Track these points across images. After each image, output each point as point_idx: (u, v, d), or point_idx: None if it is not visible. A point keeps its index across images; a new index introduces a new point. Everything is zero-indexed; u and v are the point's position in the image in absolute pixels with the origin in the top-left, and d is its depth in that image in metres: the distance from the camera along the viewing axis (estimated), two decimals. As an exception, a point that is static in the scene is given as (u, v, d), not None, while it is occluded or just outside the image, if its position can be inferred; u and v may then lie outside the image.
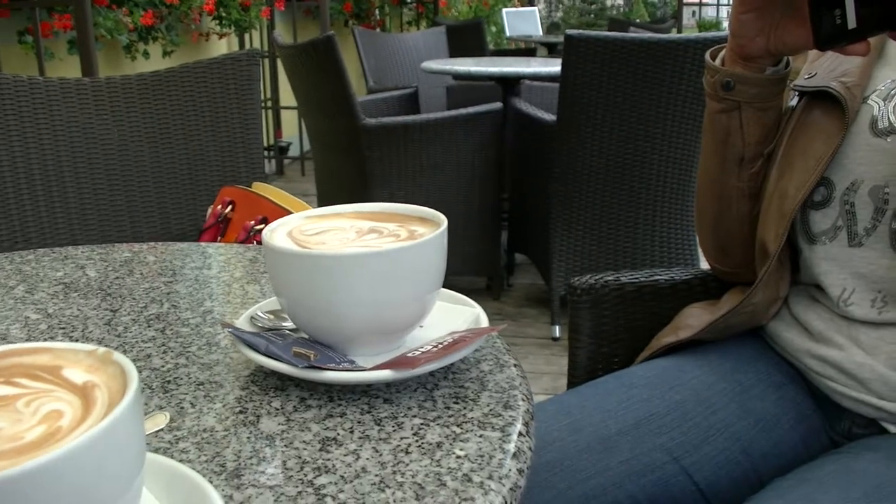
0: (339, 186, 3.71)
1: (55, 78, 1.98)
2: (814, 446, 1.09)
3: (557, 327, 3.39)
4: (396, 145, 3.47)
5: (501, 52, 8.21)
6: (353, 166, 3.54)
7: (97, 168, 1.96)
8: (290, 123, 6.76)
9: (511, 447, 0.62)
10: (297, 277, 0.71)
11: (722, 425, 1.07)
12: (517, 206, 3.74)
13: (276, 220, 1.53)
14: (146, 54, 4.61)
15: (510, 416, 0.67)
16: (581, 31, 2.94)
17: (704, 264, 1.40)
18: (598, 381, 1.16)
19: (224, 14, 5.30)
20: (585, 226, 3.22)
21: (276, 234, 0.76)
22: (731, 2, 1.07)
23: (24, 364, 0.50)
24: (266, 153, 6.48)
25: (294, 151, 6.81)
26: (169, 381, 0.75)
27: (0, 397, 0.46)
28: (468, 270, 3.62)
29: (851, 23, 0.86)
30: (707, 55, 1.10)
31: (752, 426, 1.08)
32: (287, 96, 6.04)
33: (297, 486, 0.58)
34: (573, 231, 3.23)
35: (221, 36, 5.65)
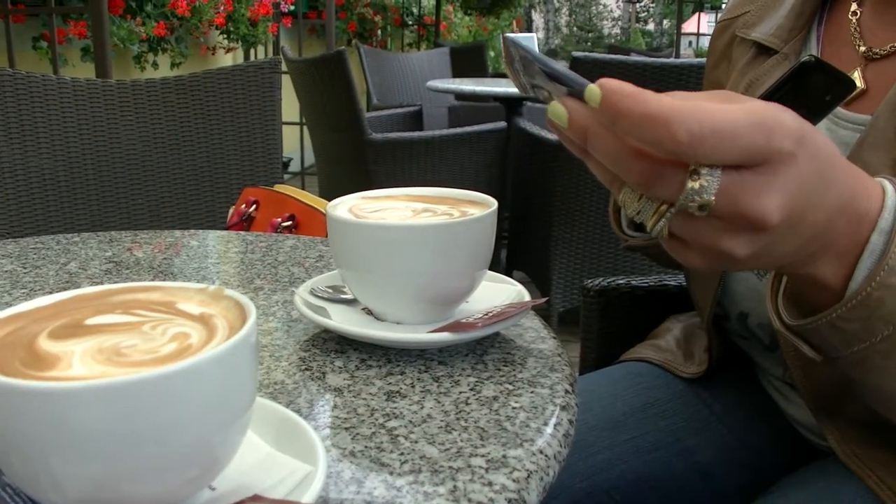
0: (344, 199, 3.76)
1: (82, 78, 2.04)
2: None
3: (556, 343, 3.43)
4: (402, 161, 3.53)
5: (502, 76, 8.29)
6: (357, 180, 3.60)
7: (119, 167, 2.02)
8: (291, 139, 6.81)
9: (560, 401, 0.68)
10: (359, 248, 0.77)
11: (722, 414, 1.13)
12: (517, 224, 3.81)
13: (304, 217, 1.60)
14: (155, 65, 4.68)
15: (556, 377, 0.73)
16: (587, 53, 3.01)
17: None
18: (606, 370, 1.23)
19: (232, 28, 5.37)
20: (586, 244, 3.29)
21: (338, 209, 0.82)
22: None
23: (139, 299, 0.56)
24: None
25: (294, 167, 6.88)
26: (233, 344, 0.81)
27: (125, 323, 0.52)
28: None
29: None
30: (611, 203, 1.08)
31: (749, 419, 1.13)
32: (288, 112, 6.11)
33: (370, 428, 0.64)
34: (573, 249, 3.30)
35: (228, 50, 5.72)
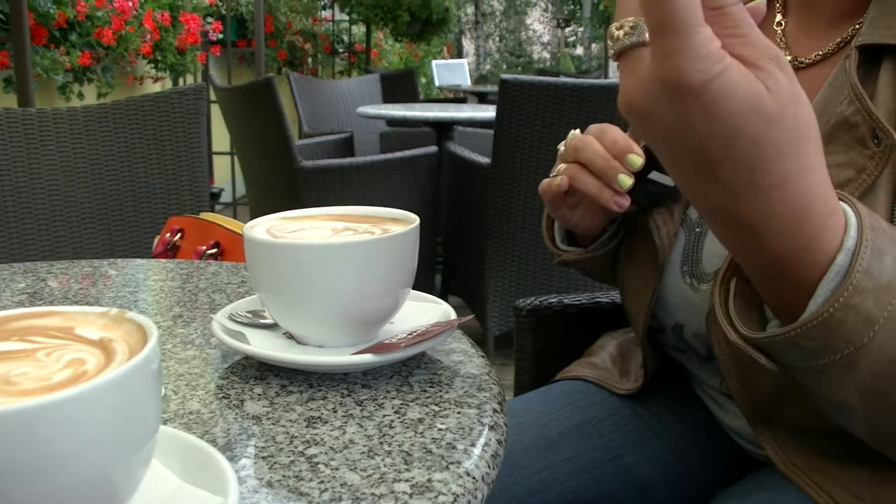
0: (275, 227, 3.72)
1: (0, 108, 1.98)
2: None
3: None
4: (333, 188, 3.50)
5: (433, 101, 8.32)
6: (289, 208, 3.54)
7: (39, 197, 1.96)
8: (222, 169, 6.75)
9: (488, 420, 0.66)
10: (277, 268, 0.74)
11: (659, 429, 1.12)
12: (451, 249, 3.79)
13: (229, 244, 1.56)
14: (81, 95, 4.59)
15: (484, 396, 0.70)
16: (516, 76, 3.02)
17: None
18: (541, 390, 1.21)
19: (160, 58, 5.31)
20: (519, 266, 3.28)
21: (256, 230, 0.79)
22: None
23: (37, 325, 0.52)
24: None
25: (226, 197, 6.79)
26: (148, 373, 0.78)
27: (19, 350, 0.49)
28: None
29: (670, 181, 0.92)
30: (544, 219, 1.17)
31: (687, 433, 1.12)
32: (219, 141, 6.05)
33: (289, 457, 0.61)
34: (507, 272, 3.29)
35: (156, 80, 5.65)
